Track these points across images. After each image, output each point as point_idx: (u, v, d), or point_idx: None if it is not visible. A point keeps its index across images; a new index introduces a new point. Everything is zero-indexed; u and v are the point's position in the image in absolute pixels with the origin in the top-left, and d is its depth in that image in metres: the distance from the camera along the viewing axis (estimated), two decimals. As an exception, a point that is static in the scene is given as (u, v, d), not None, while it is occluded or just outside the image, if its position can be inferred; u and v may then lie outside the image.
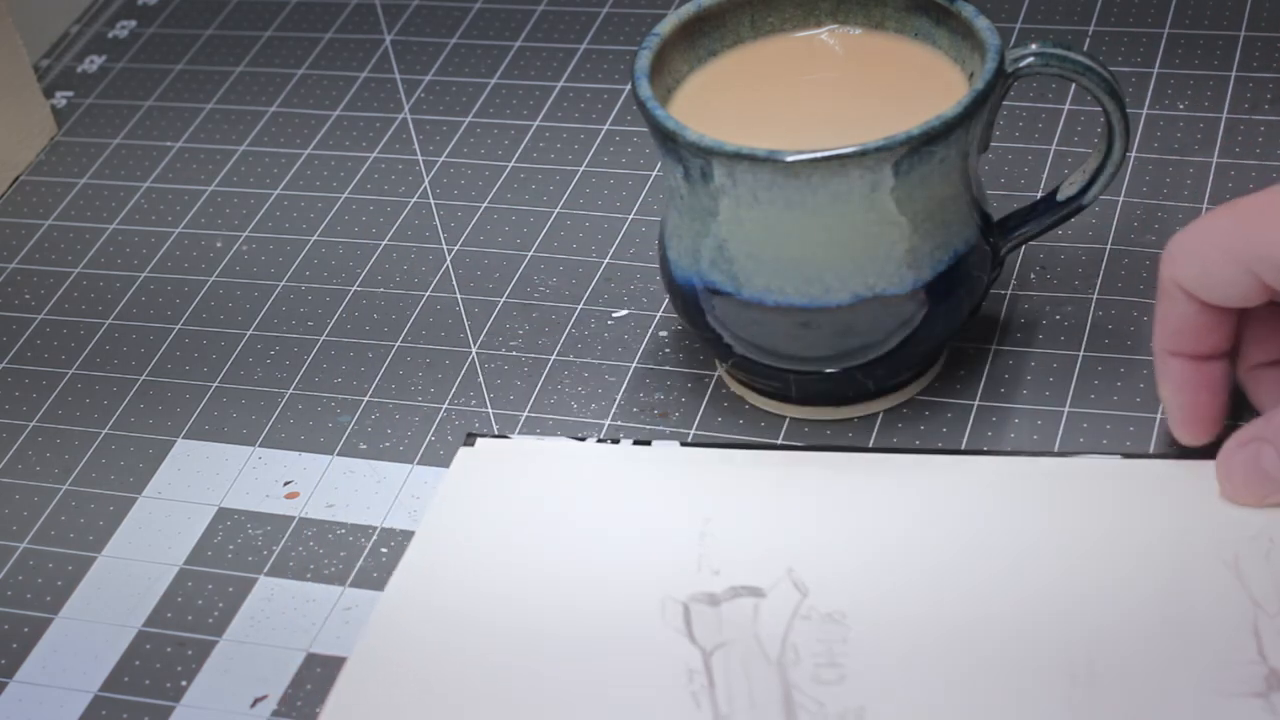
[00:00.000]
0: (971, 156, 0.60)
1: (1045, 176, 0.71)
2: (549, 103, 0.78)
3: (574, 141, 0.76)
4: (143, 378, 0.69)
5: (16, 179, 0.79)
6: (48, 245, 0.76)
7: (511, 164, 0.75)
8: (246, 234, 0.74)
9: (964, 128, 0.58)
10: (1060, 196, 0.63)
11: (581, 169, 0.75)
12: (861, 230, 0.58)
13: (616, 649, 0.56)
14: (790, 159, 0.57)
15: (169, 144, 0.80)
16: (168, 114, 0.81)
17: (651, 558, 0.59)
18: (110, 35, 0.86)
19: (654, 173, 0.74)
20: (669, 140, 0.58)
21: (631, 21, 0.82)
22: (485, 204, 0.74)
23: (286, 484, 0.64)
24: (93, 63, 0.85)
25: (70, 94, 0.83)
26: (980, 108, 0.58)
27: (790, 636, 0.56)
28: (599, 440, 0.64)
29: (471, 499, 0.62)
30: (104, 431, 0.67)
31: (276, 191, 0.76)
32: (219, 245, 0.74)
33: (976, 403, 0.63)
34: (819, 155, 0.57)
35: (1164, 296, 0.58)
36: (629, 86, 0.72)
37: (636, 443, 0.63)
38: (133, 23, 0.87)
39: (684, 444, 0.63)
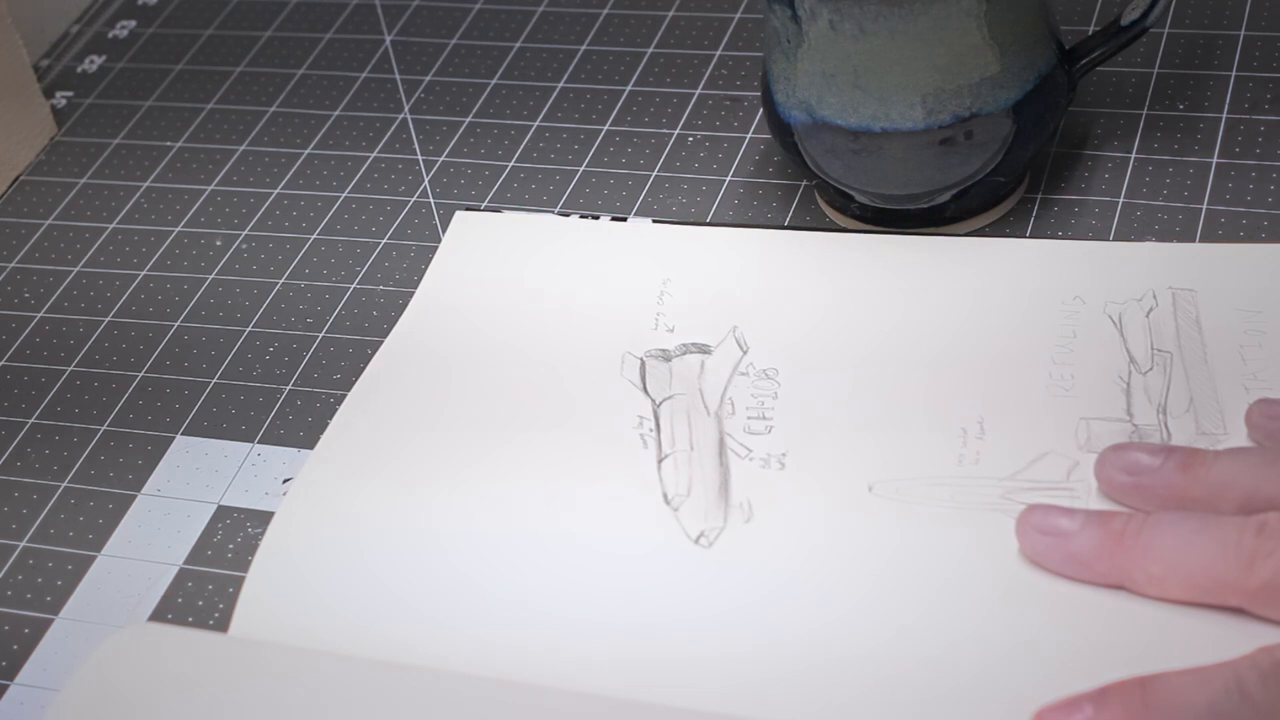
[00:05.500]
0: None
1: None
2: (549, 103, 0.78)
3: (574, 142, 0.76)
4: (141, 374, 0.69)
5: (16, 179, 0.79)
6: (47, 244, 0.76)
7: (511, 164, 0.75)
8: (246, 233, 0.74)
9: None
10: (1124, 22, 0.69)
11: (581, 169, 0.75)
12: (959, 54, 0.64)
13: (583, 394, 0.65)
14: None
15: (169, 144, 0.80)
16: (168, 114, 0.81)
17: (616, 316, 0.67)
18: (110, 35, 0.86)
19: (654, 173, 0.74)
20: None
21: (631, 23, 0.82)
22: (485, 204, 0.74)
23: (286, 481, 0.64)
24: (93, 63, 0.85)
25: (70, 94, 0.83)
26: None
27: (729, 391, 0.64)
28: (580, 216, 0.72)
29: (462, 264, 0.70)
30: (103, 429, 0.67)
31: (276, 191, 0.76)
32: (219, 244, 0.74)
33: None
34: None
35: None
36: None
37: (614, 218, 0.71)
38: (133, 23, 0.87)
39: (655, 220, 0.71)
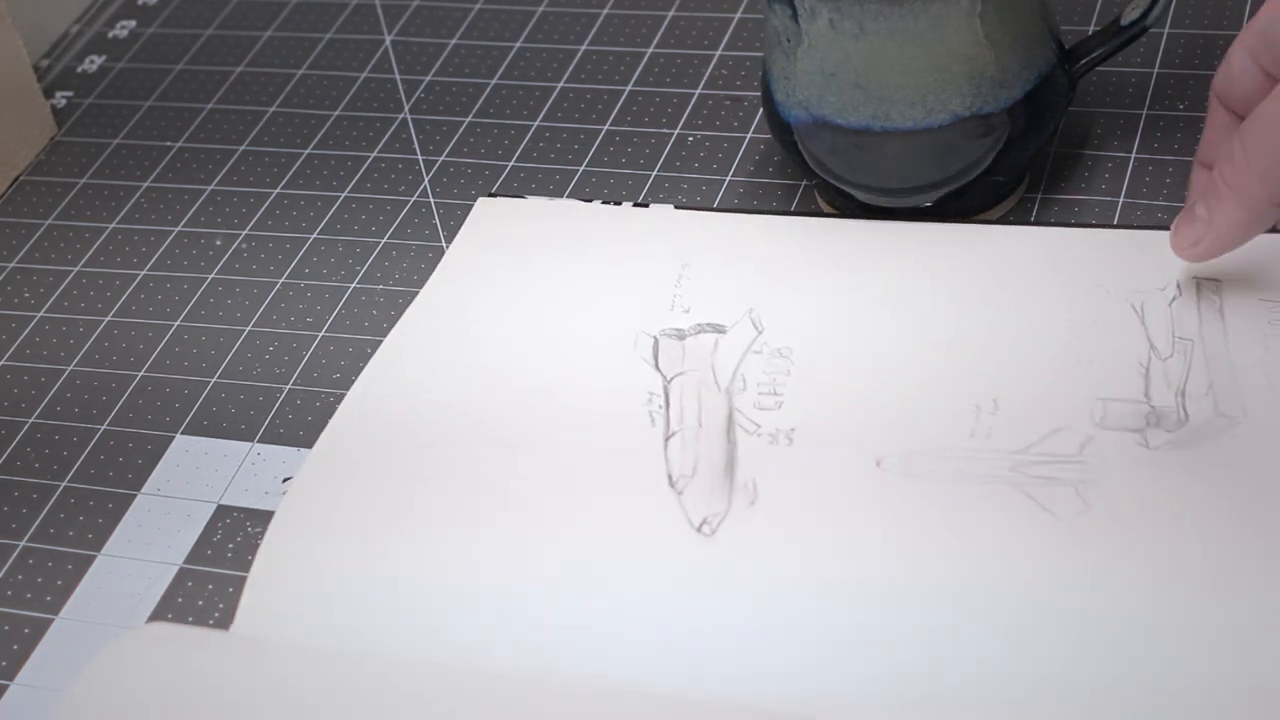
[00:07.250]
0: None
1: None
2: (549, 103, 0.78)
3: (574, 142, 0.76)
4: (141, 374, 0.69)
5: (16, 179, 0.79)
6: (47, 244, 0.76)
7: (511, 164, 0.75)
8: (246, 233, 0.74)
9: None
10: (1124, 21, 0.69)
11: (581, 169, 0.75)
12: (958, 53, 0.64)
13: (593, 372, 0.65)
14: None
15: (169, 144, 0.80)
16: (168, 114, 0.81)
17: (633, 298, 0.67)
18: (110, 35, 0.86)
19: (654, 173, 0.74)
20: None
21: (631, 23, 0.82)
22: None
23: (285, 480, 0.64)
24: (93, 63, 0.85)
25: (70, 94, 0.83)
26: None
27: (741, 368, 0.64)
28: (603, 202, 0.72)
29: (483, 244, 0.71)
30: (103, 428, 0.67)
31: (276, 191, 0.76)
32: (218, 244, 0.74)
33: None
34: None
35: (1208, 111, 0.65)
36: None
37: (635, 204, 0.71)
38: (133, 23, 0.87)
39: (677, 206, 0.71)
